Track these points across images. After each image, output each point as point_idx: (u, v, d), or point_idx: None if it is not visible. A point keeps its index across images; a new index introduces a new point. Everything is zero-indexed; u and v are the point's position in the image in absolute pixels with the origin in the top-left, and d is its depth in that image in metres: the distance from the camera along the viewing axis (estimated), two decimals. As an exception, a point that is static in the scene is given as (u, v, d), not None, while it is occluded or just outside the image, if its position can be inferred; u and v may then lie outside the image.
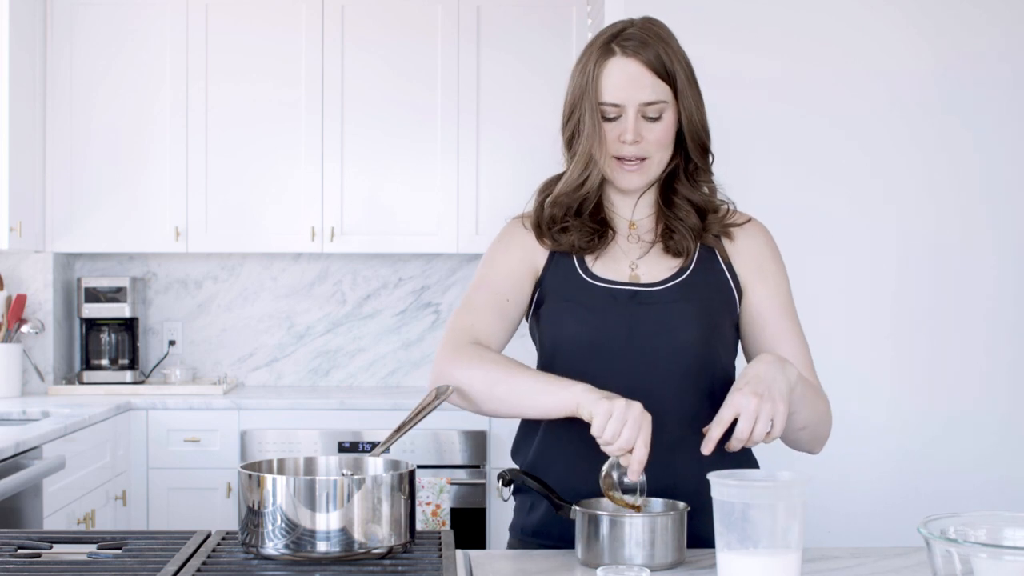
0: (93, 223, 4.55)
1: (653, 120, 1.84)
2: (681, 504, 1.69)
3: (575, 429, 1.73)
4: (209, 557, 1.59)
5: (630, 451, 1.63)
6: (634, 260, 1.90)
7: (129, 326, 4.70)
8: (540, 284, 1.92)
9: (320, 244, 4.59)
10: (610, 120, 1.84)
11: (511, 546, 1.95)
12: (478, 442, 4.28)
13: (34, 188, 4.44)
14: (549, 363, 1.90)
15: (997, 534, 1.39)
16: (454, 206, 4.59)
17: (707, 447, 1.68)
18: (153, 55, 4.55)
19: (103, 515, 3.98)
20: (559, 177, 1.95)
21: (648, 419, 1.64)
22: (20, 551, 1.64)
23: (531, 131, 4.54)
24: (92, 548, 1.66)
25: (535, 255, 1.92)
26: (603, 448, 1.65)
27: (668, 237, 1.91)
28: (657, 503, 1.72)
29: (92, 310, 4.65)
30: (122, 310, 4.65)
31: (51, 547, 1.66)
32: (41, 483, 3.41)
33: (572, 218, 1.91)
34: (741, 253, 1.93)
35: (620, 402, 1.63)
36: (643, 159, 1.86)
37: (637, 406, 1.64)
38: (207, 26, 4.55)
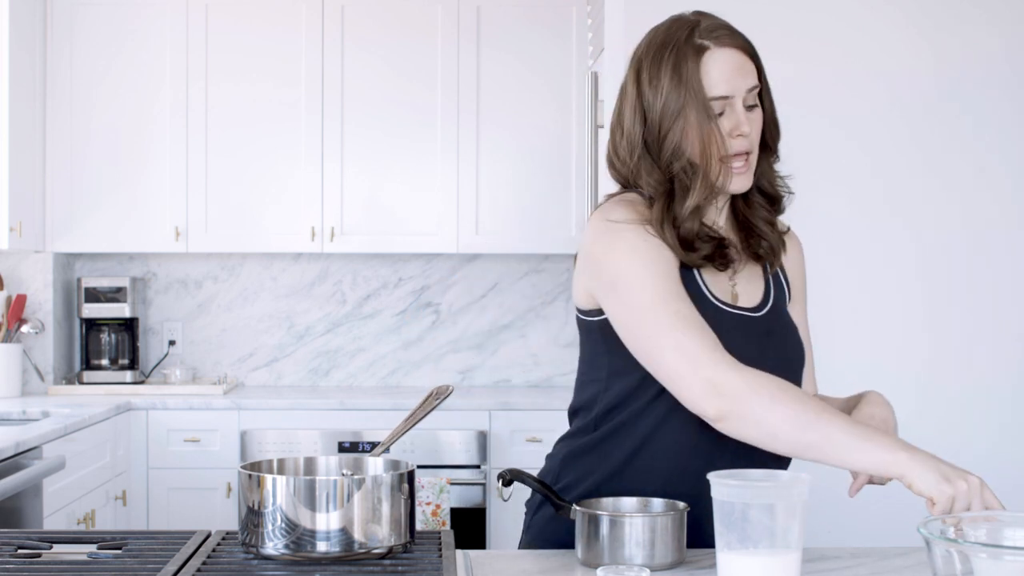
0: (93, 223, 4.55)
1: (751, 108, 1.77)
2: (681, 504, 1.69)
3: (676, 440, 1.75)
4: (209, 557, 1.59)
5: None
6: (732, 275, 1.82)
7: (129, 326, 4.70)
8: None
9: (320, 244, 4.59)
10: (717, 116, 1.75)
11: (523, 543, 1.93)
12: (478, 442, 4.28)
13: (34, 188, 4.44)
14: (654, 388, 1.77)
15: (997, 534, 1.39)
16: (454, 206, 4.59)
17: (854, 492, 1.71)
18: (153, 55, 4.55)
19: (103, 515, 3.98)
20: (634, 199, 1.80)
21: (988, 492, 1.56)
22: (20, 551, 1.64)
23: (531, 131, 4.54)
24: (92, 548, 1.66)
25: (676, 267, 1.77)
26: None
27: (755, 243, 1.83)
28: (657, 503, 1.72)
29: (92, 310, 4.64)
30: (122, 310, 4.65)
31: (51, 547, 1.66)
32: (41, 483, 3.41)
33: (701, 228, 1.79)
34: (788, 264, 1.92)
35: (962, 486, 1.54)
36: (748, 154, 1.77)
37: (976, 482, 1.55)
38: (207, 26, 4.55)
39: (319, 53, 4.58)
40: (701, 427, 1.71)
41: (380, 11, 4.60)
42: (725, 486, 1.48)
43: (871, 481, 1.69)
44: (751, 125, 1.76)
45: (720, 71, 1.74)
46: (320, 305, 4.91)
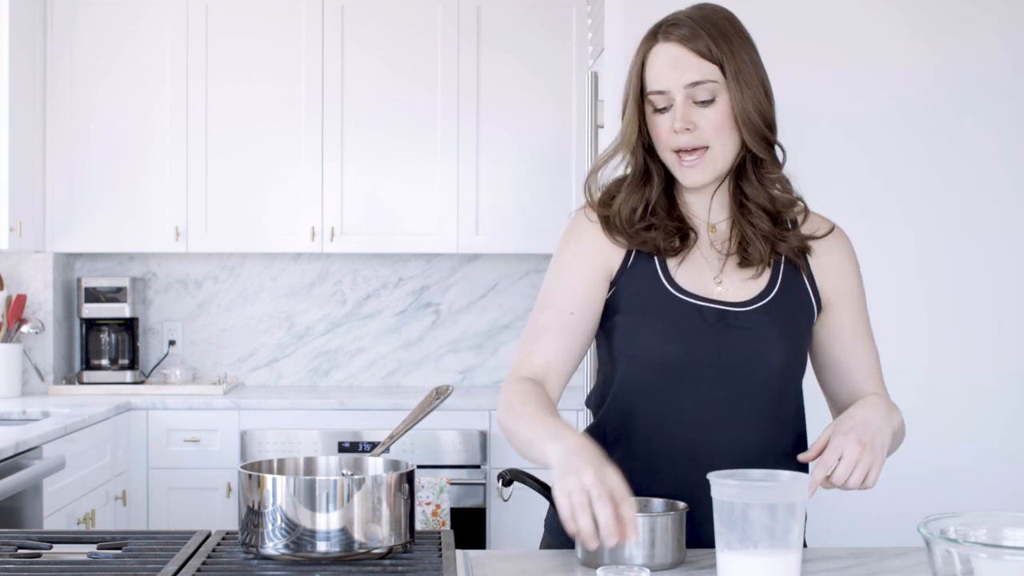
0: (93, 223, 4.55)
1: (705, 104, 1.74)
2: (681, 504, 1.69)
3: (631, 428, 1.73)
4: (209, 557, 1.59)
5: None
6: (717, 273, 1.81)
7: (129, 326, 4.70)
8: (614, 287, 1.80)
9: (320, 244, 4.59)
10: (661, 111, 1.76)
11: (544, 543, 1.93)
12: (478, 442, 4.28)
13: (34, 188, 4.44)
14: (625, 380, 1.80)
15: (997, 534, 1.40)
16: (454, 206, 4.59)
17: (811, 491, 1.57)
18: (153, 55, 4.56)
19: (103, 515, 3.98)
20: (623, 179, 1.85)
21: (604, 488, 1.48)
22: (20, 551, 1.64)
23: (531, 131, 4.54)
24: (92, 548, 1.66)
25: (608, 254, 1.81)
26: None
27: (744, 248, 1.80)
28: (657, 503, 1.71)
29: (92, 310, 4.64)
30: (122, 310, 4.65)
31: (51, 547, 1.66)
32: (41, 483, 3.41)
33: (653, 216, 1.80)
34: (825, 269, 1.84)
35: (573, 481, 1.49)
36: (703, 149, 1.75)
37: (589, 478, 1.48)
38: (207, 26, 4.55)
39: (319, 53, 4.58)
40: (690, 428, 1.74)
41: (380, 11, 4.60)
42: (725, 486, 1.48)
43: (832, 484, 1.63)
44: (700, 121, 1.74)
45: (657, 66, 1.76)
46: (320, 305, 4.91)
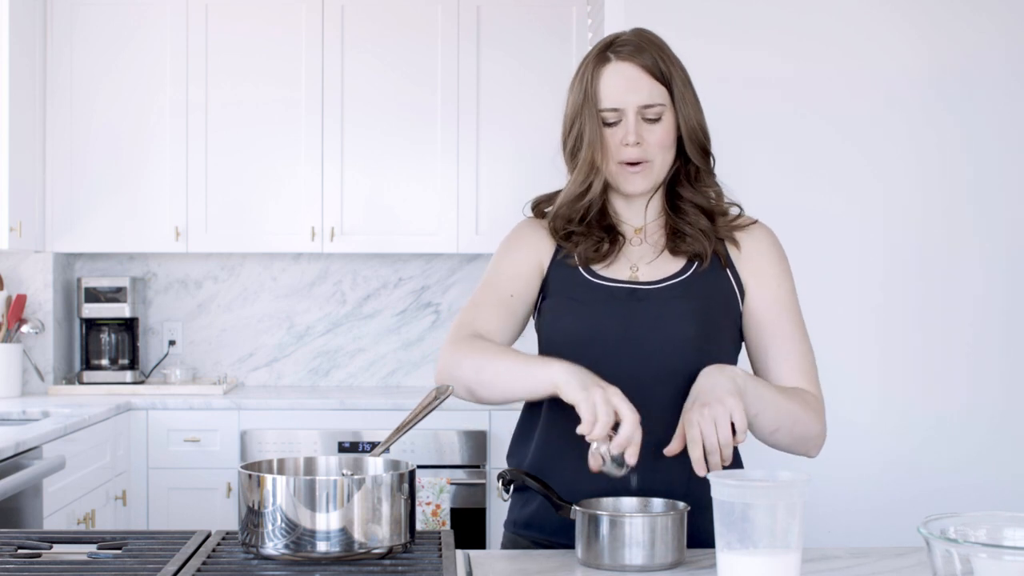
0: (93, 223, 4.55)
1: (652, 122, 1.86)
2: (681, 504, 1.69)
3: (572, 428, 1.73)
4: (209, 557, 1.59)
5: (610, 437, 1.64)
6: (635, 263, 1.91)
7: (129, 326, 4.70)
8: (544, 282, 1.94)
9: (320, 244, 4.59)
10: (611, 125, 1.87)
11: (505, 540, 1.96)
12: (478, 442, 4.28)
13: (34, 188, 4.44)
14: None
15: (997, 534, 1.39)
16: (454, 206, 4.59)
17: (700, 470, 1.65)
18: (153, 55, 4.55)
19: (103, 515, 3.98)
20: (552, 195, 1.98)
21: (619, 400, 1.64)
22: (20, 551, 1.64)
23: (531, 131, 4.54)
24: (92, 548, 1.66)
25: (541, 253, 1.95)
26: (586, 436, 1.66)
27: (679, 240, 1.91)
28: (657, 503, 1.72)
29: (92, 310, 4.64)
30: (122, 310, 4.65)
31: (51, 547, 1.66)
32: (41, 483, 3.41)
33: (577, 226, 1.92)
34: (745, 256, 1.92)
35: (596, 392, 1.64)
36: (646, 162, 1.87)
37: (613, 391, 1.64)
38: (207, 26, 4.55)
39: (319, 53, 4.58)
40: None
41: (380, 11, 4.60)
42: (725, 486, 1.48)
43: (712, 456, 1.66)
44: (647, 136, 1.85)
45: (612, 85, 1.86)
46: (320, 305, 4.91)
